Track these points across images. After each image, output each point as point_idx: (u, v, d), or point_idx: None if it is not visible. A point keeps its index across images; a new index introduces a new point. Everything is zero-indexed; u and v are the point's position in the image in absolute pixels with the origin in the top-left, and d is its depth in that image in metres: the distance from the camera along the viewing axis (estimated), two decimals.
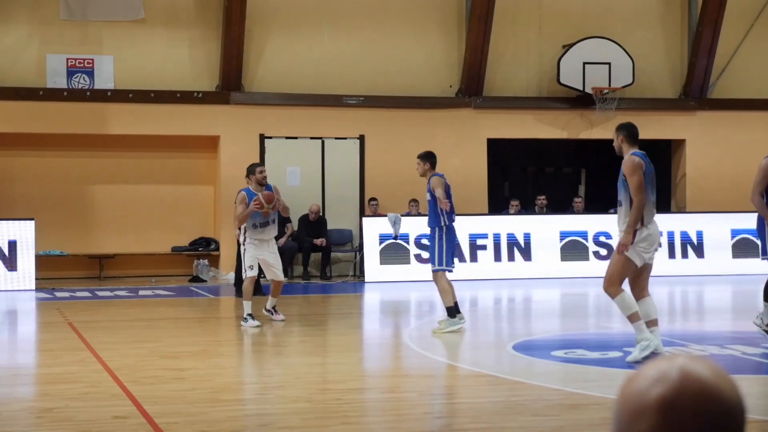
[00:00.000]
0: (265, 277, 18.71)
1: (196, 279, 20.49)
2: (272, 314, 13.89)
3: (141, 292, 18.26)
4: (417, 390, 9.13)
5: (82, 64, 20.63)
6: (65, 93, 20.37)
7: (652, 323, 10.01)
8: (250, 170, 13.80)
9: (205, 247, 21.48)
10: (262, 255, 13.61)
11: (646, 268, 10.01)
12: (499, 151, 22.57)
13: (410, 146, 21.10)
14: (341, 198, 21.43)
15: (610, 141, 22.94)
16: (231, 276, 19.29)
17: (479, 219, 20.45)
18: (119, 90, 20.58)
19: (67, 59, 20.57)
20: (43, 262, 19.88)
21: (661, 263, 20.20)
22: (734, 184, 22.62)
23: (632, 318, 9.87)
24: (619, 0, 22.39)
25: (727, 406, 1.78)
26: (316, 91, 21.18)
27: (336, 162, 21.33)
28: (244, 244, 13.68)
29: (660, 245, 10.37)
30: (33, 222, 19.28)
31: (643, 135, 24.35)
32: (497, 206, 22.44)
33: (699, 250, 20.69)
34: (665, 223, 20.74)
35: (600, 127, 22.25)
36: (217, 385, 9.18)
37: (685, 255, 20.53)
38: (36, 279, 18.95)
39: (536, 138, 22.18)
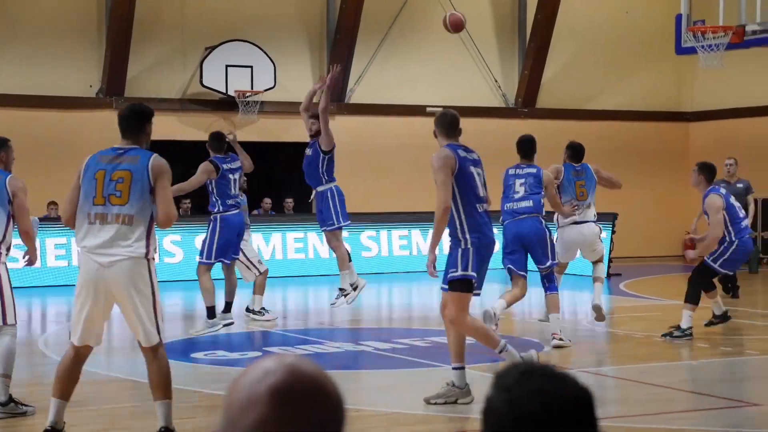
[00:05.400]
0: None
1: None
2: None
3: None
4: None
5: None
6: None
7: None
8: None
9: None
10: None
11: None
12: None
13: (51, 150, 20.44)
14: None
15: (254, 143, 23.20)
16: None
17: None
18: None
19: None
20: None
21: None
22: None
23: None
24: (262, 5, 22.68)
25: (331, 399, 1.90)
26: None
27: None
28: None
29: None
30: None
31: (283, 138, 24.77)
32: None
33: None
34: (312, 226, 21.18)
35: (243, 130, 22.43)
36: None
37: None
38: None
39: (179, 140, 22.04)
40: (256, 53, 21.91)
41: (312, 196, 13.21)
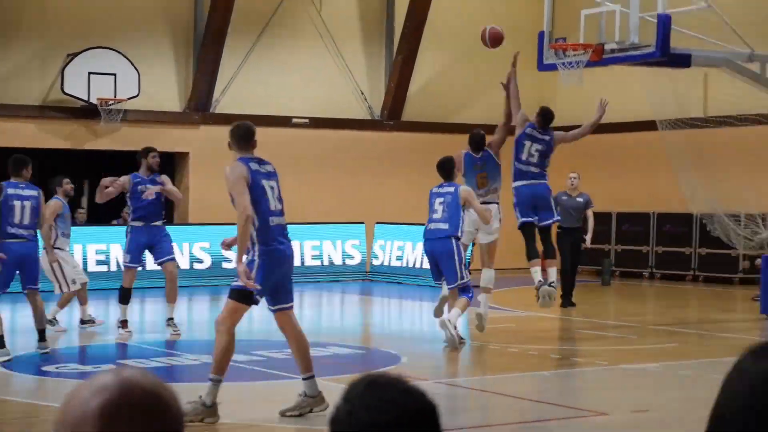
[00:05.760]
0: None
1: None
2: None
3: None
4: None
5: None
6: None
7: None
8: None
9: None
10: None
11: None
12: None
13: None
14: None
15: (116, 152, 22.86)
16: None
17: None
18: None
19: None
20: None
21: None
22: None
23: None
24: (127, 12, 22.37)
25: (169, 413, 1.85)
26: None
27: None
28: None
29: None
30: None
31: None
32: None
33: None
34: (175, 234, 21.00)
35: (106, 138, 22.10)
36: None
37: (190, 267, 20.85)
38: None
39: (39, 148, 21.58)
40: (120, 61, 21.59)
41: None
